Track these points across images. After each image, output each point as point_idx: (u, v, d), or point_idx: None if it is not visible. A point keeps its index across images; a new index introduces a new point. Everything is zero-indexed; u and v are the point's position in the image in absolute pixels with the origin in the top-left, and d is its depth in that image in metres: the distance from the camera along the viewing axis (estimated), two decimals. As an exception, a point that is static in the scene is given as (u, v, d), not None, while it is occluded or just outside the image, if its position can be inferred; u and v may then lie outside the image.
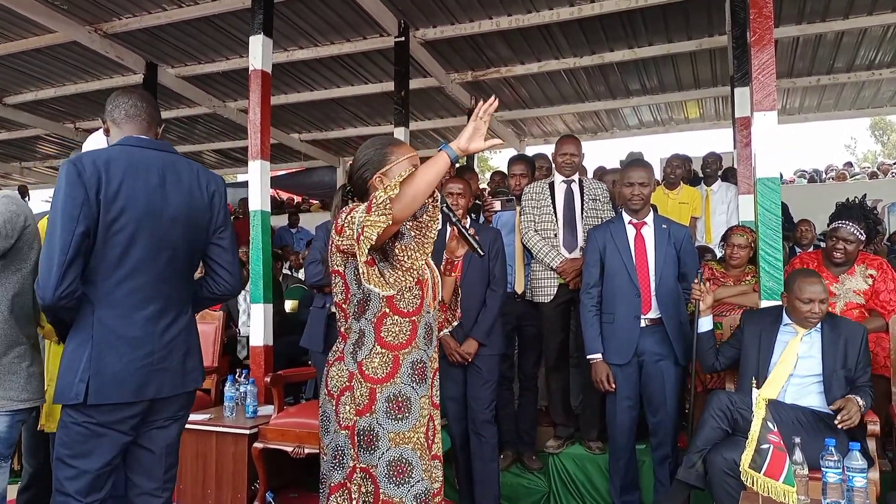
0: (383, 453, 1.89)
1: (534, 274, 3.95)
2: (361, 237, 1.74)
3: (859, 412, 2.68)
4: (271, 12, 4.96)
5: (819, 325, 2.95)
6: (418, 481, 1.90)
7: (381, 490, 1.88)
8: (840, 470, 2.32)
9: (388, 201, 1.72)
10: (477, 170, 9.16)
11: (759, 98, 3.64)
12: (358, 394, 1.93)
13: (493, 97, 1.88)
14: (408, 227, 1.92)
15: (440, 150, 1.84)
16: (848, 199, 3.64)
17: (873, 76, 8.07)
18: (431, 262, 2.09)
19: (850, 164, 11.51)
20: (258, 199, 4.66)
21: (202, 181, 2.16)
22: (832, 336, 2.92)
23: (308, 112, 9.64)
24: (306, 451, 3.62)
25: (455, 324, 2.31)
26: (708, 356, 3.27)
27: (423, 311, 1.98)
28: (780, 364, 2.96)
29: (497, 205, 4.28)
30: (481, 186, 6.46)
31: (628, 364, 3.34)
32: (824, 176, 10.64)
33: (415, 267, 1.86)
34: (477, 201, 4.49)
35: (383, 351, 1.93)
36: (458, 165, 8.50)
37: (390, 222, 1.73)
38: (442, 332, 2.28)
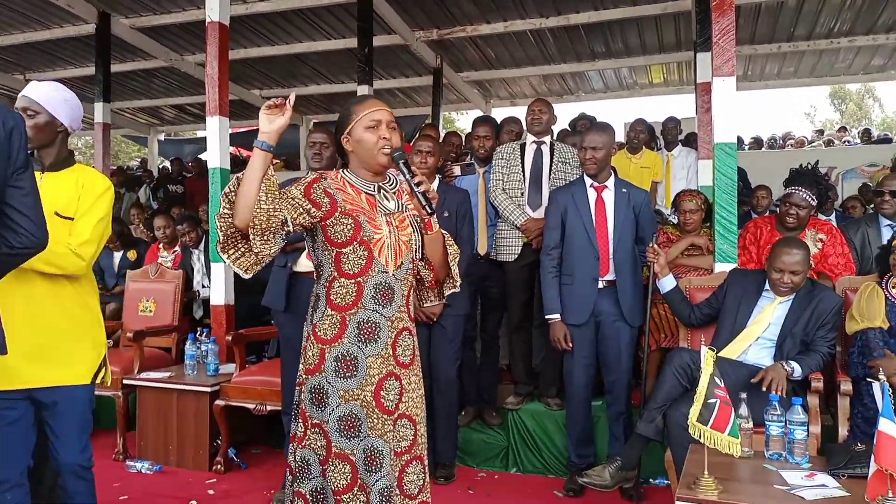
0: (333, 409, 1.96)
1: (499, 233, 4.00)
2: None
3: (784, 377, 2.77)
4: (229, -39, 4.79)
5: (795, 293, 3.04)
6: (367, 436, 1.96)
7: (332, 443, 1.96)
8: (782, 423, 2.45)
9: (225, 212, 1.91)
10: (443, 131, 9.09)
11: (719, 63, 3.68)
12: (310, 354, 2.01)
13: (291, 94, 1.95)
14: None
15: (254, 145, 1.91)
16: (801, 166, 3.74)
17: (832, 44, 8.21)
18: (408, 221, 2.07)
19: (820, 132, 11.72)
20: (217, 156, 4.57)
21: None
22: (804, 302, 3.00)
23: (269, 68, 9.42)
24: (268, 408, 3.66)
25: (453, 290, 2.27)
26: (681, 308, 3.36)
27: (372, 272, 1.98)
28: (750, 326, 3.07)
29: (457, 170, 4.29)
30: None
31: (585, 324, 3.41)
32: (782, 143, 10.86)
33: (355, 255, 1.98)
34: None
35: (332, 312, 1.99)
36: (424, 124, 8.45)
37: (231, 230, 1.91)
38: (430, 303, 2.29)
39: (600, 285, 3.43)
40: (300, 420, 2.04)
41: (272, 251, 1.93)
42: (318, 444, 1.98)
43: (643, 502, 3.34)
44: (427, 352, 3.51)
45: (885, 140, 10.50)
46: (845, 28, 7.85)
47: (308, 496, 2.00)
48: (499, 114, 10.72)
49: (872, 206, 4.73)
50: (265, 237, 1.89)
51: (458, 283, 2.25)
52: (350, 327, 1.97)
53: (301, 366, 2.05)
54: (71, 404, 2.20)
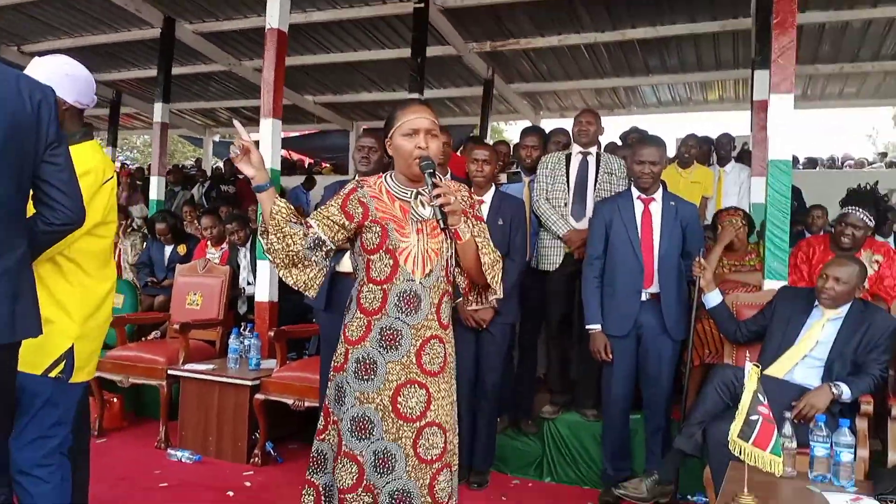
0: (348, 409, 2.00)
1: (541, 242, 3.98)
2: None
3: (825, 403, 2.69)
4: (290, -30, 4.93)
5: (846, 311, 2.95)
6: (378, 439, 1.98)
7: (343, 442, 2.00)
8: (828, 444, 2.37)
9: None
10: (492, 140, 9.10)
11: (777, 80, 3.61)
12: (339, 352, 2.08)
13: (237, 124, 2.02)
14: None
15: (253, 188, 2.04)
16: (859, 186, 3.63)
17: (898, 66, 7.95)
18: (438, 228, 2.03)
19: (883, 155, 11.30)
20: (268, 157, 4.65)
21: (24, 90, 1.75)
22: (856, 322, 2.91)
23: (323, 74, 9.60)
24: (306, 404, 3.71)
25: (491, 301, 2.24)
26: (727, 324, 3.29)
27: (397, 280, 2.00)
28: (797, 344, 2.99)
29: (503, 177, 4.29)
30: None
31: (626, 337, 3.37)
32: (840, 164, 10.52)
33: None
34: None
35: (360, 315, 2.04)
36: (472, 134, 8.45)
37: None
38: (472, 306, 2.36)
39: (643, 298, 3.38)
40: (323, 414, 2.12)
41: (315, 274, 2.06)
42: (334, 441, 2.04)
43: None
44: (475, 358, 3.51)
45: (948, 163, 10.09)
46: (914, 49, 7.59)
47: (321, 489, 2.08)
48: (548, 125, 10.70)
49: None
50: (297, 268, 2.03)
51: (499, 292, 2.22)
52: (374, 332, 2.01)
53: (333, 362, 2.10)
54: (19, 391, 1.98)
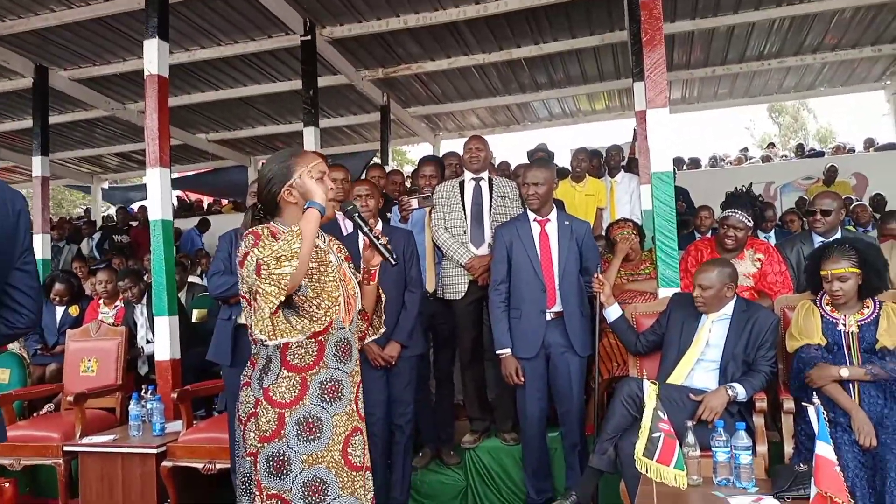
0: (297, 476, 1.88)
1: (445, 272, 3.98)
2: (257, 306, 1.79)
3: (723, 404, 2.84)
4: (166, 15, 4.78)
5: (730, 312, 3.10)
6: (335, 498, 1.90)
7: None
8: (728, 449, 2.47)
9: (281, 276, 1.76)
10: (394, 164, 9.11)
11: (652, 96, 3.78)
12: (263, 420, 1.91)
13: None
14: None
15: (307, 207, 1.89)
16: (736, 189, 3.85)
17: (763, 66, 8.56)
18: (348, 273, 2.05)
19: (745, 150, 12.16)
20: (158, 207, 4.49)
21: (7, 200, 1.79)
22: (740, 322, 3.07)
23: (214, 112, 9.37)
24: (218, 466, 3.54)
25: (377, 335, 2.28)
26: (628, 337, 3.41)
27: (333, 329, 1.95)
28: (689, 349, 3.11)
29: (414, 202, 4.27)
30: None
31: (536, 357, 3.42)
32: (721, 162, 11.21)
33: (328, 315, 1.92)
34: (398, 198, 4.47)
35: (290, 374, 1.92)
36: (372, 163, 8.47)
37: (283, 297, 1.78)
38: (365, 342, 2.27)
39: (548, 317, 3.45)
40: (255, 492, 1.94)
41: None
42: None
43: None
44: (387, 396, 3.46)
45: (818, 154, 10.93)
46: (774, 50, 8.19)
47: None
48: (448, 146, 10.92)
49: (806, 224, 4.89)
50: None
51: (381, 330, 2.27)
52: (312, 388, 1.92)
53: (252, 434, 1.93)
54: None
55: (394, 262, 1.99)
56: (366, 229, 1.98)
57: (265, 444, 1.89)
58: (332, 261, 2.01)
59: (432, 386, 4.16)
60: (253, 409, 1.93)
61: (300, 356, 1.92)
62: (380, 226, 3.62)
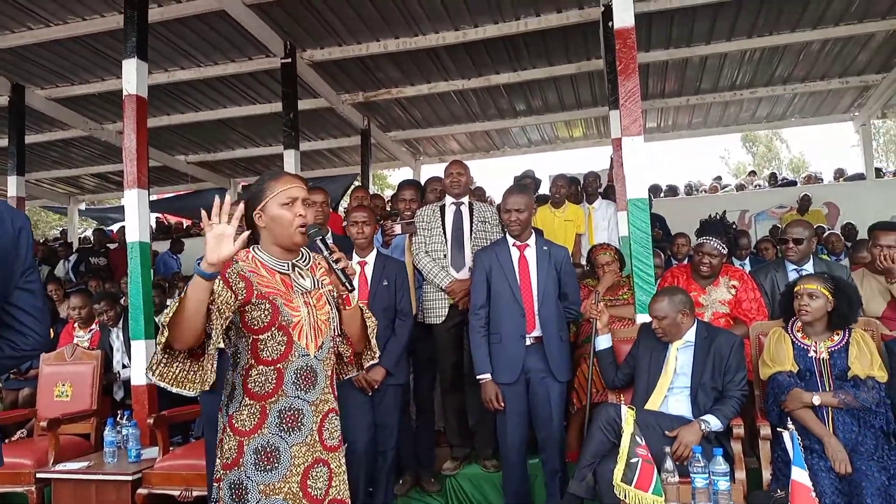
0: None
1: (425, 296, 4.00)
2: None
3: (695, 440, 2.82)
4: (145, 35, 4.78)
5: (693, 339, 3.15)
6: None
7: None
8: (707, 475, 2.50)
9: (163, 322, 1.78)
10: (375, 188, 9.14)
11: (627, 124, 3.86)
12: (227, 447, 1.91)
13: (228, 198, 1.84)
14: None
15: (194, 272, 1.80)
16: (710, 216, 3.93)
17: (735, 96, 8.78)
18: (325, 298, 2.02)
19: (719, 178, 12.39)
20: (136, 229, 4.47)
21: (6, 217, 1.78)
22: (704, 348, 3.11)
23: (194, 133, 9.36)
24: (194, 493, 3.48)
25: (372, 361, 2.22)
26: (608, 371, 3.43)
27: (292, 357, 1.91)
28: (660, 378, 3.15)
29: (397, 228, 4.29)
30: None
31: (516, 382, 3.43)
32: (697, 190, 11.40)
33: (277, 345, 1.92)
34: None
35: (251, 402, 1.90)
36: (354, 185, 8.46)
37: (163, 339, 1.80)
38: (356, 374, 2.23)
39: (528, 342, 3.46)
40: None
41: (211, 366, 1.86)
42: None
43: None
44: (371, 420, 3.45)
45: (790, 183, 11.18)
46: (746, 80, 8.42)
47: None
48: (428, 170, 10.99)
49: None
50: (200, 362, 1.86)
51: (377, 354, 2.21)
52: (270, 417, 1.89)
53: (218, 460, 1.93)
54: None
55: (350, 289, 1.95)
56: (325, 254, 1.94)
57: (227, 472, 1.89)
58: (304, 285, 1.99)
59: (413, 412, 4.15)
60: (221, 436, 1.94)
61: (260, 384, 1.90)
62: (374, 254, 3.64)
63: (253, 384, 1.90)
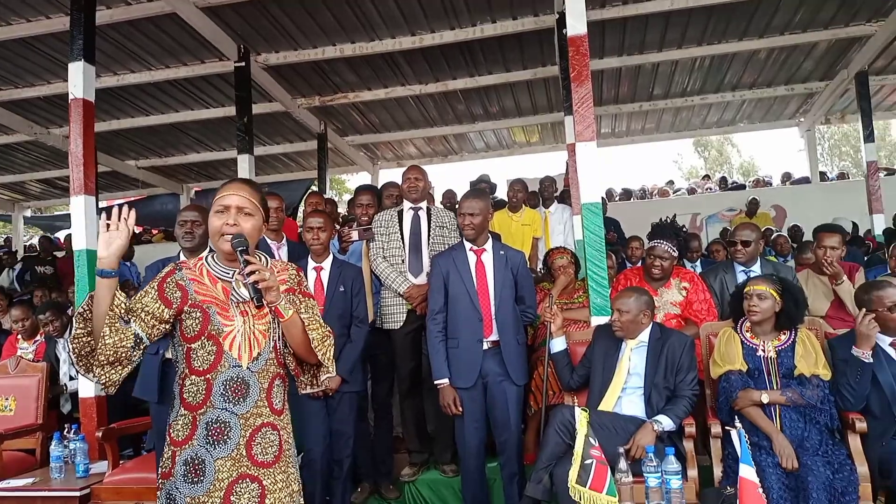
0: None
1: (383, 301, 3.98)
2: None
3: (649, 440, 2.87)
4: (93, 38, 4.65)
5: (647, 339, 3.21)
6: None
7: None
8: (659, 474, 2.55)
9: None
10: (333, 192, 9.07)
11: (580, 129, 3.92)
12: (165, 457, 1.89)
13: (125, 208, 1.85)
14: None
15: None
16: (661, 220, 4.01)
17: (686, 102, 9.01)
18: (265, 309, 1.95)
19: (671, 182, 12.67)
20: (83, 236, 4.35)
21: None
22: (657, 349, 3.18)
23: (145, 138, 9.15)
24: (146, 508, 3.39)
25: (328, 375, 2.10)
26: (564, 373, 3.46)
27: (221, 367, 1.87)
28: (614, 379, 3.19)
29: (354, 234, 4.26)
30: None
31: (473, 387, 3.43)
32: (650, 194, 11.63)
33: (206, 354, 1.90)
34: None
35: (185, 412, 1.87)
36: (311, 190, 8.36)
37: (86, 349, 1.81)
38: (307, 389, 2.12)
39: (485, 346, 3.47)
40: None
41: (122, 376, 1.83)
42: None
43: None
44: (327, 428, 3.42)
45: (740, 187, 11.51)
46: (697, 87, 8.64)
47: None
48: (386, 175, 10.97)
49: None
50: (114, 367, 1.81)
51: (332, 369, 2.10)
52: (199, 428, 1.84)
53: (159, 468, 1.92)
54: None
55: (257, 304, 1.89)
56: (241, 264, 1.88)
57: (164, 482, 1.87)
58: (244, 295, 1.93)
59: (371, 418, 4.12)
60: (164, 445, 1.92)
61: (192, 394, 1.86)
62: (329, 260, 3.61)
63: (187, 394, 1.87)
